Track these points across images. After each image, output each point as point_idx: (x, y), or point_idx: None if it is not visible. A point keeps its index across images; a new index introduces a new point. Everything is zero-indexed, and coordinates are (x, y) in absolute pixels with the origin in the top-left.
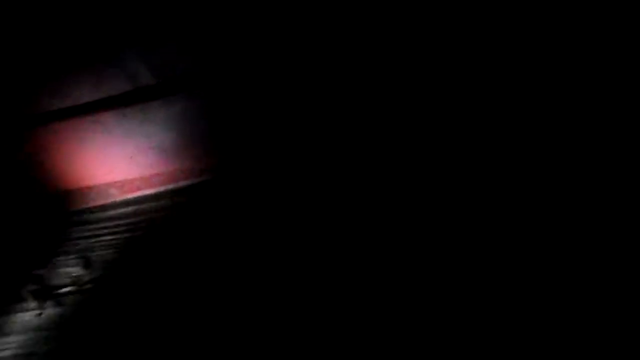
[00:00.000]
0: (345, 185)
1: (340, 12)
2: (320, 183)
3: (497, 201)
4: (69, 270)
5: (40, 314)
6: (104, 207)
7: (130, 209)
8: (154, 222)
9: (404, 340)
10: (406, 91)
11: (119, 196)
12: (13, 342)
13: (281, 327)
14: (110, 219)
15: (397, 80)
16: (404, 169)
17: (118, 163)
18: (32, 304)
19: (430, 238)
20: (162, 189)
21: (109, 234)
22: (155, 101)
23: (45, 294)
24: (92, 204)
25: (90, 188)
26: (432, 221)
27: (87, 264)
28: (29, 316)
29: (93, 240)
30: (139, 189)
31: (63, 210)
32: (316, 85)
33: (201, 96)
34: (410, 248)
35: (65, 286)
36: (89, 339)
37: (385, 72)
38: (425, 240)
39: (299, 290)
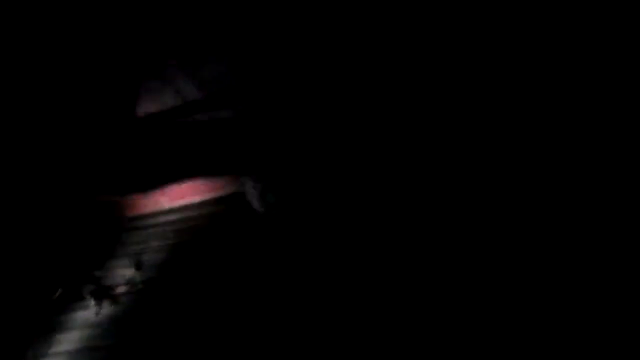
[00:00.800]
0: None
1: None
2: (351, 193)
3: (497, 204)
4: (124, 272)
5: (99, 312)
6: (154, 214)
7: (177, 215)
8: (199, 227)
9: (407, 344)
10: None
11: (167, 204)
12: (76, 337)
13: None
14: (160, 225)
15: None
16: (423, 188)
17: (167, 173)
18: (92, 302)
19: (444, 249)
20: (205, 197)
21: (158, 238)
22: (201, 114)
23: (103, 293)
24: (143, 211)
25: (142, 196)
26: (444, 232)
27: (139, 266)
28: (88, 313)
29: (144, 244)
30: (185, 197)
31: (117, 217)
32: (352, 105)
33: (244, 110)
34: (423, 259)
35: (120, 286)
36: (144, 333)
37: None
38: (438, 251)
39: (327, 292)
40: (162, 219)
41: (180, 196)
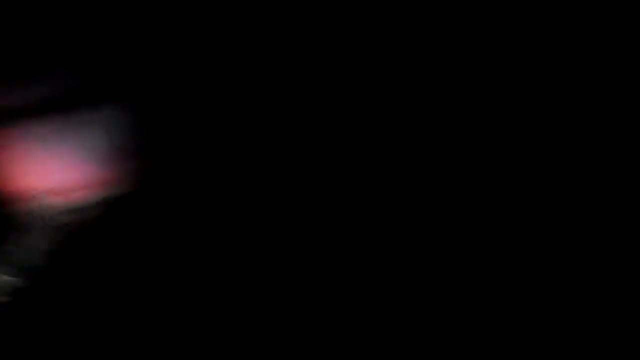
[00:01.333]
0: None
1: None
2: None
3: (497, 204)
4: (2, 278)
5: None
6: (34, 213)
7: (61, 216)
8: (85, 229)
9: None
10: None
11: (50, 203)
12: None
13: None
14: (42, 226)
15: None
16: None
17: (50, 170)
18: None
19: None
20: (94, 196)
21: (40, 240)
22: (86, 109)
23: None
24: (22, 209)
25: (20, 194)
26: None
27: (18, 271)
28: None
29: (23, 247)
30: (71, 196)
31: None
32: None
33: (133, 105)
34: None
35: (1, 295)
36: (26, 344)
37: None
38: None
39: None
40: (45, 218)
41: (65, 195)
